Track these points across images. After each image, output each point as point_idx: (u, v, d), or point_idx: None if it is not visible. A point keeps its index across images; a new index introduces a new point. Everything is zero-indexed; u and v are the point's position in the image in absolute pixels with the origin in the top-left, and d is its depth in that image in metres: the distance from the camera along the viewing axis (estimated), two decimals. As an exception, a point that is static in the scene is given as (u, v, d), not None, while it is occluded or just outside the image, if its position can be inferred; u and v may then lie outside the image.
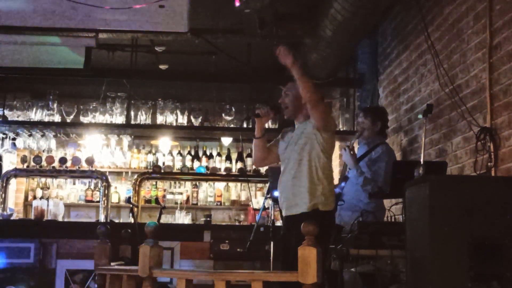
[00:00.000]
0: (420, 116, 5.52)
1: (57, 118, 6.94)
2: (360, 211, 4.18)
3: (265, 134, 4.26)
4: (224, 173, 8.26)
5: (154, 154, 8.89)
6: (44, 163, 7.09)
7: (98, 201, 7.73)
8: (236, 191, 8.96)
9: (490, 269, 2.94)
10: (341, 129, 6.96)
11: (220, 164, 8.73)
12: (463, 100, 4.33)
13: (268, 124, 6.41)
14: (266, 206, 5.37)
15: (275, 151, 4.28)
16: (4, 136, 7.12)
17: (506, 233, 2.95)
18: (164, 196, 8.90)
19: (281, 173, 4.18)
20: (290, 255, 3.77)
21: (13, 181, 7.38)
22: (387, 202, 5.13)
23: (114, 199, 8.49)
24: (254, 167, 8.12)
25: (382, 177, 4.89)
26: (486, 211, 2.98)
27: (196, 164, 8.73)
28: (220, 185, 8.99)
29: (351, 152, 4.91)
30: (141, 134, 7.88)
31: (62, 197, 8.67)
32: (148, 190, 8.87)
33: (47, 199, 7.73)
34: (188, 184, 8.98)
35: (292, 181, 4.05)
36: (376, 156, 5.00)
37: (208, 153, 8.88)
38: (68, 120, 6.94)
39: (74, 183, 8.93)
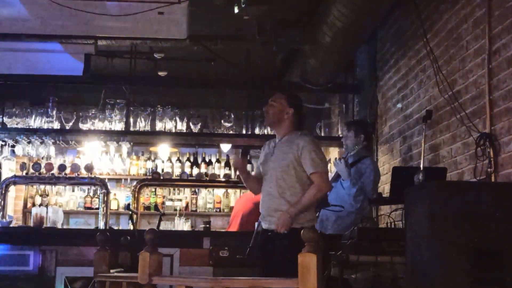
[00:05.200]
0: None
1: (56, 125, 6.93)
2: (361, 218, 4.18)
3: (249, 172, 4.35)
4: (223, 179, 8.26)
5: (153, 160, 8.88)
6: (43, 170, 7.07)
7: (97, 208, 7.71)
8: (235, 197, 8.94)
9: (490, 275, 2.93)
10: (340, 135, 6.94)
11: (219, 170, 8.72)
12: (463, 105, 4.33)
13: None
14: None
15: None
16: (3, 143, 7.11)
17: (506, 238, 2.95)
18: (163, 203, 8.90)
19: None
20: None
21: (12, 188, 7.36)
22: (386, 208, 5.13)
23: (113, 206, 8.48)
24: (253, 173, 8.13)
25: (369, 191, 4.97)
26: (486, 217, 2.98)
27: (195, 170, 8.72)
28: (219, 192, 8.99)
29: (346, 164, 4.96)
30: (140, 141, 7.87)
31: (61, 204, 8.66)
32: (147, 196, 8.86)
33: (46, 206, 7.71)
34: (187, 190, 8.98)
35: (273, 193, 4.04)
36: (364, 167, 5.08)
37: (207, 160, 8.87)
38: (67, 127, 6.93)
39: (73, 190, 8.93)
